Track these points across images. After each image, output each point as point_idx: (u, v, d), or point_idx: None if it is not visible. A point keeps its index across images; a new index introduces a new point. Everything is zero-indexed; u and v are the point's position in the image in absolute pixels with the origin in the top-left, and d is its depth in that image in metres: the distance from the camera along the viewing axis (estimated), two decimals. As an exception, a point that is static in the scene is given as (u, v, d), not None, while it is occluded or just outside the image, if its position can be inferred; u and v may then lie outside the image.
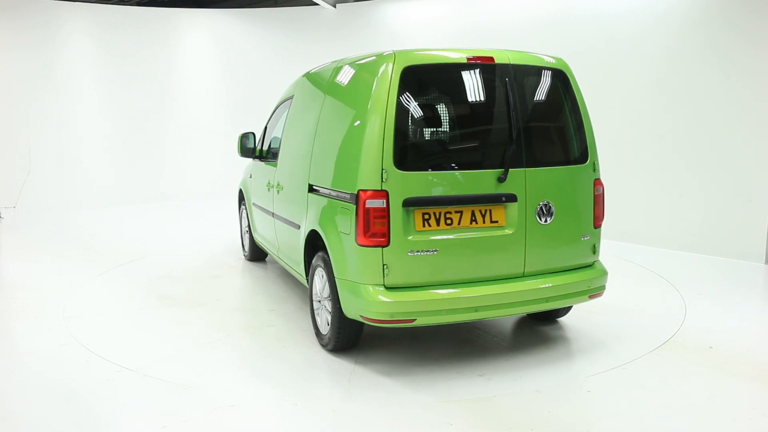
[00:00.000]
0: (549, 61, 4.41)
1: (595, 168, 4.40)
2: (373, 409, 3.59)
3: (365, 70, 4.22)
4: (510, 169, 4.04)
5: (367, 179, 3.81)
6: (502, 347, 4.56)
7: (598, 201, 4.43)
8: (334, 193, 4.20)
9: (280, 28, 12.47)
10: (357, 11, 11.71)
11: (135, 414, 3.56)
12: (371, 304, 3.82)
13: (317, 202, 4.48)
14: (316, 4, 11.77)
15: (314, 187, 4.56)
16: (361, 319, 3.98)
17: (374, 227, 3.80)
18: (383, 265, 3.83)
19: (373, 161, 3.80)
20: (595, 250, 4.43)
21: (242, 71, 12.71)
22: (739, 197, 7.29)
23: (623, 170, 8.33)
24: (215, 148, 12.59)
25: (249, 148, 6.35)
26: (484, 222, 4.02)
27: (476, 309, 3.93)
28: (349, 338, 4.33)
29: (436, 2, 10.56)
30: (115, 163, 12.08)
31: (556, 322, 5.05)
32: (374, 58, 4.16)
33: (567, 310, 4.95)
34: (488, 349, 4.50)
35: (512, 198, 4.06)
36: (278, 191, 5.53)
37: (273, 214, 5.73)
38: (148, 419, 3.48)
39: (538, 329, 4.91)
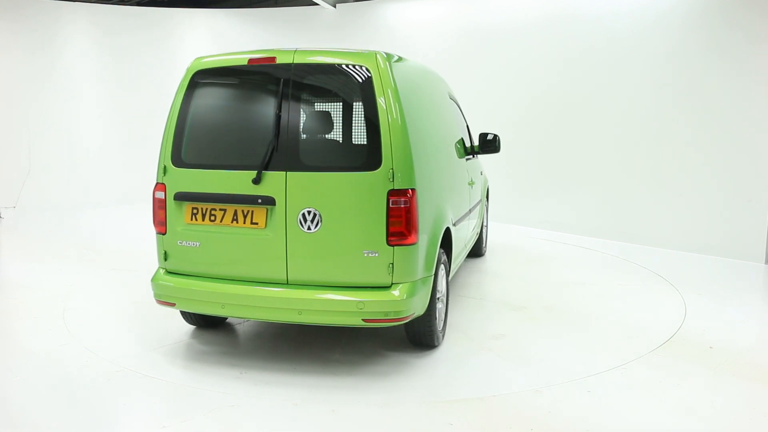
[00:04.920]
0: (349, 59, 4.01)
1: (393, 177, 3.83)
2: (373, 409, 3.59)
3: None
4: (270, 172, 3.98)
5: (158, 173, 4.32)
6: (500, 347, 4.57)
7: (396, 215, 3.82)
8: None
9: (280, 28, 12.46)
10: (357, 11, 11.70)
11: (135, 414, 3.57)
12: (152, 285, 4.31)
13: None
14: (316, 4, 11.77)
15: None
16: None
17: (157, 216, 4.31)
18: (164, 251, 4.29)
19: (161, 157, 4.31)
20: (392, 270, 3.85)
21: (242, 71, 12.69)
22: (739, 197, 7.29)
23: (624, 170, 8.35)
24: (215, 148, 12.58)
25: None
26: (245, 222, 4.06)
27: (222, 305, 4.07)
28: (190, 316, 4.73)
29: (436, 2, 10.55)
30: (116, 163, 12.06)
31: (433, 350, 4.43)
32: None
33: (430, 338, 4.33)
34: (486, 349, 4.52)
35: (270, 201, 3.97)
36: None
37: None
38: (148, 419, 3.49)
39: (536, 328, 4.92)
